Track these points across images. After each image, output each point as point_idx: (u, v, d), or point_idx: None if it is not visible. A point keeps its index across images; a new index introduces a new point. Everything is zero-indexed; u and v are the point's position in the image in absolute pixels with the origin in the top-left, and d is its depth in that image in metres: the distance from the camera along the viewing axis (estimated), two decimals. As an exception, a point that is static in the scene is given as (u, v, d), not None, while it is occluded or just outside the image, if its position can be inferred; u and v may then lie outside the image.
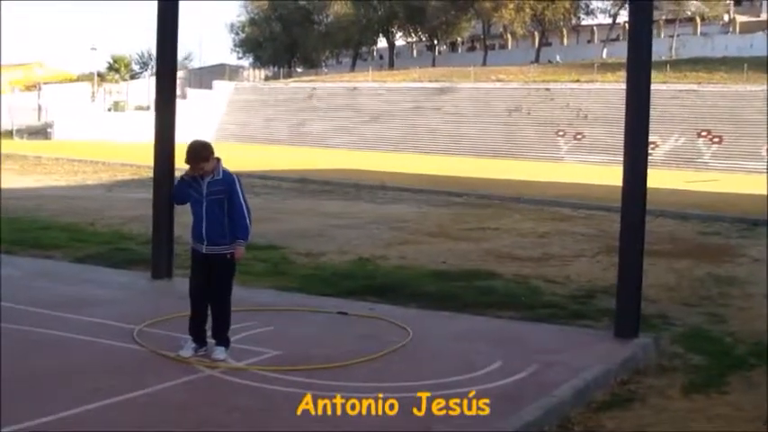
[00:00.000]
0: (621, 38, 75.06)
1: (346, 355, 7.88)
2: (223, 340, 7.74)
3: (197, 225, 7.62)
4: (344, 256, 14.66)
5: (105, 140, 54.89)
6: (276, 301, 10.36)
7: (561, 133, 55.38)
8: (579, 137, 54.19)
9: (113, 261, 13.18)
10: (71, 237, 15.61)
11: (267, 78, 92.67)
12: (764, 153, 47.51)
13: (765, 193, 28.21)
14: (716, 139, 50.20)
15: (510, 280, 12.77)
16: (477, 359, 7.93)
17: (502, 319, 10.03)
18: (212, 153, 7.51)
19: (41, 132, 59.52)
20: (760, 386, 7.83)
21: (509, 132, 57.46)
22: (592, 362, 7.95)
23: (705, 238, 19.15)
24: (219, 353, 7.64)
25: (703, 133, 50.81)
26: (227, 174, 7.59)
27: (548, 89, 59.96)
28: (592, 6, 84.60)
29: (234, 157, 41.38)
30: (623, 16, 75.79)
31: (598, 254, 15.76)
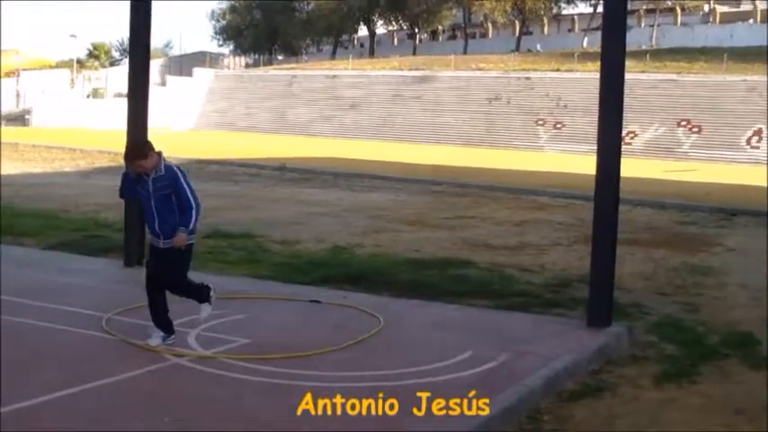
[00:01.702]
0: (602, 27, 74.97)
1: (317, 344, 7.81)
2: (203, 298, 7.90)
3: (150, 222, 7.67)
4: (320, 244, 14.60)
5: (84, 127, 54.50)
6: (249, 289, 10.28)
7: (541, 122, 55.40)
8: (559, 126, 54.22)
9: (87, 248, 13.08)
10: (44, 224, 15.47)
11: (248, 66, 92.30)
12: (744, 143, 47.73)
13: (743, 183, 28.39)
14: (695, 129, 50.32)
15: (484, 268, 12.73)
16: (447, 348, 7.87)
17: (474, 308, 9.97)
18: (150, 150, 7.56)
19: (19, 119, 59.13)
20: (731, 376, 7.84)
21: (489, 121, 57.45)
22: (563, 351, 7.90)
23: (682, 227, 19.20)
24: (205, 309, 7.91)
25: (683, 123, 50.90)
26: (168, 168, 7.60)
27: (528, 78, 59.95)
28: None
29: (214, 145, 41.49)
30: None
31: (575, 243, 15.75)
